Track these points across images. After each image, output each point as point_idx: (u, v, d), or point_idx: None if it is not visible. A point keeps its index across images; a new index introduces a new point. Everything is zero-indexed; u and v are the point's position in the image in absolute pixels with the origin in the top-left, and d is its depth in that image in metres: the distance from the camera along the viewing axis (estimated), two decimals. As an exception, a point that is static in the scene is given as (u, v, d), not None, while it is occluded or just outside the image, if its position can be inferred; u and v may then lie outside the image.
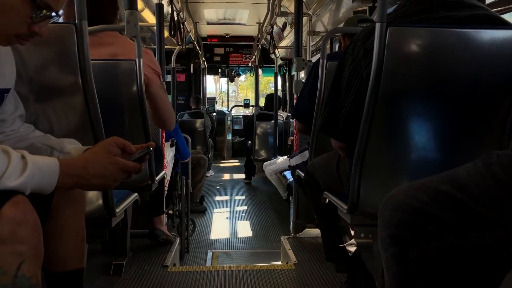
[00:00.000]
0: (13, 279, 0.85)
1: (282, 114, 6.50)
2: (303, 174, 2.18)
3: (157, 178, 2.09)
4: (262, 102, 6.99)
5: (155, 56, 2.17)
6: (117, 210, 1.55)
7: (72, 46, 1.37)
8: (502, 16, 1.41)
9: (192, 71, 7.75)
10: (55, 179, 0.95)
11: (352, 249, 1.82)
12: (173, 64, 5.39)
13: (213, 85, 10.54)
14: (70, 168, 0.99)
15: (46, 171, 0.94)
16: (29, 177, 0.90)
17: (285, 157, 4.70)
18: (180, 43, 4.81)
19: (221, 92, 11.53)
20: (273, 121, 5.91)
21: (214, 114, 8.67)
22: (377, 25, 1.25)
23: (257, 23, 6.43)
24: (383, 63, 1.26)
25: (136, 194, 1.81)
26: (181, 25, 4.54)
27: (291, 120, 5.60)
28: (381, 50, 1.25)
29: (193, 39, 6.42)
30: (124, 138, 1.11)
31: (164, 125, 2.12)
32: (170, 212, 3.10)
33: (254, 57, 7.20)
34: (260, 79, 6.32)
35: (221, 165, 8.66)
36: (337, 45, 4.72)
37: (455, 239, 0.76)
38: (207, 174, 7.54)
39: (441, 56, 1.30)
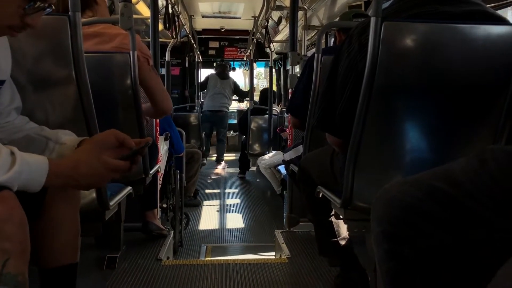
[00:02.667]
0: None
1: (277, 109, 6.49)
2: (297, 169, 2.18)
3: (151, 172, 2.08)
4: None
5: (149, 49, 2.15)
6: (111, 204, 1.54)
7: (65, 38, 1.37)
8: (497, 11, 1.41)
9: (187, 64, 7.70)
10: (43, 178, 0.93)
11: (345, 243, 1.83)
12: (167, 58, 5.37)
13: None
14: (60, 168, 0.97)
15: (35, 168, 0.92)
16: (17, 173, 0.88)
17: (279, 151, 4.70)
18: (174, 37, 4.79)
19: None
20: (267, 115, 5.91)
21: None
22: (372, 20, 1.24)
23: (252, 16, 6.40)
24: (378, 58, 1.25)
25: (130, 187, 1.80)
26: (176, 18, 4.51)
27: (285, 114, 5.59)
28: (375, 45, 1.25)
29: (188, 32, 6.39)
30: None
31: (162, 108, 2.00)
32: (164, 206, 3.09)
33: (249, 51, 7.18)
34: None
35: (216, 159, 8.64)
36: (332, 40, 4.71)
37: (448, 236, 0.76)
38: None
39: (436, 51, 1.30)
